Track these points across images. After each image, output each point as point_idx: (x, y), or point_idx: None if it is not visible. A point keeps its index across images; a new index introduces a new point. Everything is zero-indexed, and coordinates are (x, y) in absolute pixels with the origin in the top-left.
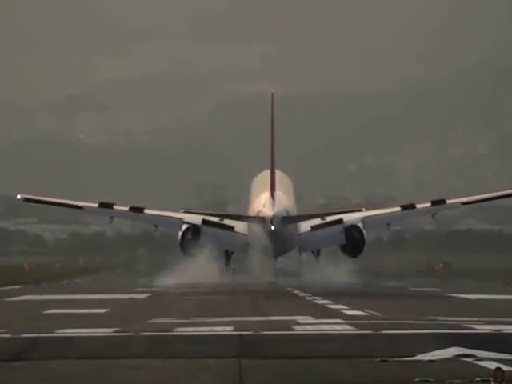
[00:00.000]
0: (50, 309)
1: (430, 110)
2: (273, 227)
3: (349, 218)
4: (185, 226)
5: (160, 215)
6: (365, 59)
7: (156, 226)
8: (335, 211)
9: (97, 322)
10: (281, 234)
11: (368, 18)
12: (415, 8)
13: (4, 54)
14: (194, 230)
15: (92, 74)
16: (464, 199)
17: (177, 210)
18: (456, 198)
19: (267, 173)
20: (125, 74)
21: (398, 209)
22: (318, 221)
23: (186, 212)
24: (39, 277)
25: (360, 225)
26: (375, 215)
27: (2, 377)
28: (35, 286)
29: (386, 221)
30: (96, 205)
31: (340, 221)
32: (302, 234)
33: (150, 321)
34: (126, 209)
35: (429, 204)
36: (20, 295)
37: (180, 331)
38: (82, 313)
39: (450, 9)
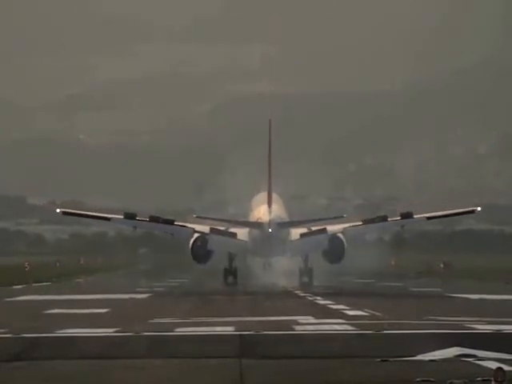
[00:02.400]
0: (50, 309)
1: (429, 110)
2: (270, 230)
3: (332, 228)
4: (196, 235)
5: (175, 225)
6: (365, 59)
7: (172, 234)
8: (321, 218)
9: (97, 322)
10: (276, 237)
11: (368, 18)
12: (415, 8)
13: (4, 54)
14: (203, 238)
15: (92, 74)
16: (428, 214)
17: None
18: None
19: (265, 193)
20: (125, 73)
21: (374, 218)
22: (304, 230)
23: (197, 217)
24: (40, 277)
25: (340, 235)
26: (353, 226)
27: (2, 377)
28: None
29: (363, 231)
30: (121, 216)
31: (324, 230)
32: (292, 241)
33: (151, 321)
34: (146, 219)
35: (399, 218)
36: (21, 295)
37: (180, 331)
38: (83, 313)
39: (450, 9)
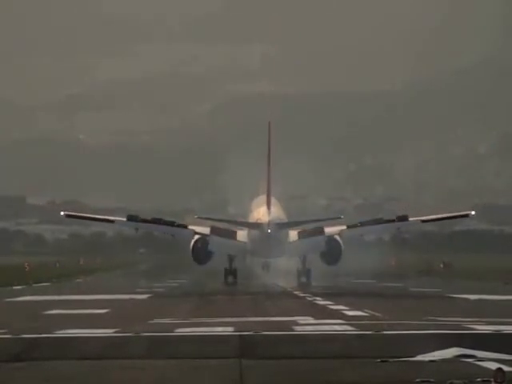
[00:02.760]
0: (50, 309)
1: (430, 110)
2: (269, 230)
3: (329, 230)
4: (196, 237)
5: (175, 226)
6: (365, 59)
7: (173, 235)
8: (320, 219)
9: (97, 322)
10: (275, 238)
11: (368, 18)
12: (415, 8)
13: (4, 54)
14: (204, 239)
15: (92, 74)
16: (423, 218)
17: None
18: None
19: (264, 196)
20: (125, 73)
21: (370, 221)
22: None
23: (199, 218)
24: (39, 277)
25: (337, 236)
26: (349, 228)
27: (2, 377)
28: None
29: (359, 233)
30: (124, 218)
31: (322, 232)
32: (291, 242)
33: (151, 321)
34: (148, 218)
35: (395, 219)
36: (21, 296)
37: (180, 332)
38: (83, 313)
39: (450, 9)
